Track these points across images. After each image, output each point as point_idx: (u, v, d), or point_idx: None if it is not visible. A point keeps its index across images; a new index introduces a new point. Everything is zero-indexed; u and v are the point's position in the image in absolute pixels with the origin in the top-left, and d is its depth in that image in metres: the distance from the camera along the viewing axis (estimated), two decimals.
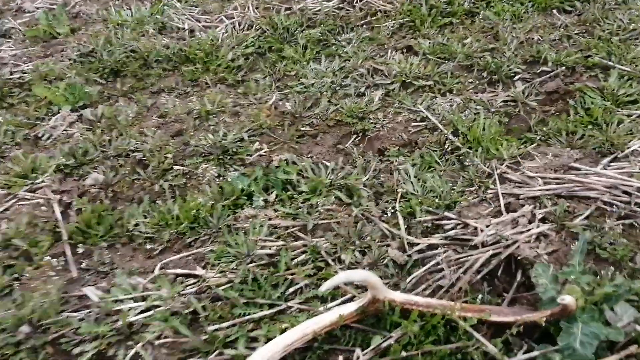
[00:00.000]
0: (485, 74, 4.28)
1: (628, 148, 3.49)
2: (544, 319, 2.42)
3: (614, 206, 3.09)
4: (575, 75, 4.18)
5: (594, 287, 2.45)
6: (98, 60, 5.02)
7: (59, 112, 4.43)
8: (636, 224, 3.01)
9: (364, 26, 5.12)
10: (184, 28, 5.33)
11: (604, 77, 4.11)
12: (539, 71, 4.26)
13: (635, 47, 4.37)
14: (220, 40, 5.06)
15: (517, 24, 4.87)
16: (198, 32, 5.25)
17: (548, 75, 4.20)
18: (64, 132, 4.24)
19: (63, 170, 3.85)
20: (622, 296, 2.43)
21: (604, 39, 4.45)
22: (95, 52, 5.12)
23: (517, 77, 4.21)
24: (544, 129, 3.75)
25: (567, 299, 2.24)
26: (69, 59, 5.11)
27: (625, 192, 3.17)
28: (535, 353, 2.46)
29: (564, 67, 4.22)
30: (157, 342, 2.69)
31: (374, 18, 5.19)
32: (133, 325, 2.80)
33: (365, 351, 2.54)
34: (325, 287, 2.31)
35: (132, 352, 2.66)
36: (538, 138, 3.70)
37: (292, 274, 2.95)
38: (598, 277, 2.68)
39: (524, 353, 2.50)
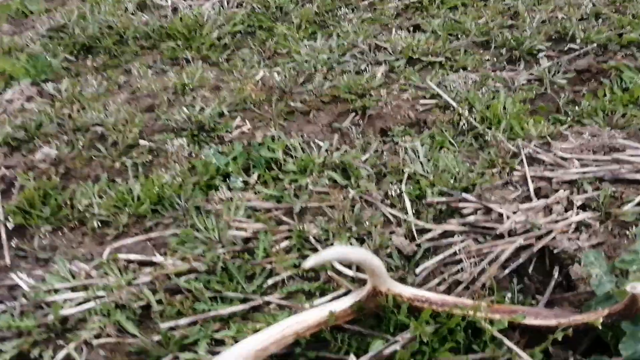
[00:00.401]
0: (504, 51, 3.74)
1: None
2: (601, 319, 1.83)
3: None
4: (608, 53, 3.65)
5: None
6: (69, 35, 4.46)
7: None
8: None
9: (366, 6, 4.59)
10: (167, 5, 4.80)
11: None
12: (565, 49, 3.72)
13: None
14: (205, 17, 4.52)
15: (538, 5, 4.34)
16: (182, 9, 4.72)
17: (577, 53, 3.66)
18: (20, 105, 3.67)
19: (11, 144, 3.28)
20: None
21: (639, 16, 3.93)
22: (66, 27, 4.58)
23: (541, 55, 3.66)
24: (576, 109, 3.20)
25: (639, 289, 1.65)
26: (38, 34, 4.57)
27: None
28: None
29: (594, 45, 3.69)
30: (95, 342, 2.09)
31: None
32: (67, 321, 2.20)
33: (362, 358, 1.94)
34: (311, 262, 1.71)
35: (62, 354, 2.06)
36: (569, 119, 3.14)
37: (272, 263, 2.36)
38: None
39: None
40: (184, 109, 3.36)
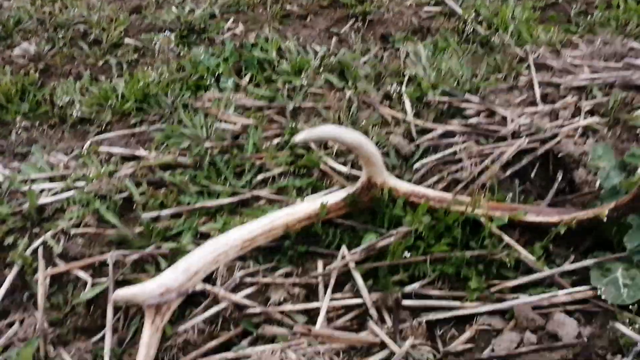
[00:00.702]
0: None
1: None
2: (606, 212, 1.72)
3: None
4: None
5: None
6: None
7: None
8: None
9: None
10: None
11: None
12: None
13: None
14: None
15: None
16: None
17: None
18: None
19: None
20: None
21: None
22: None
23: None
24: (588, 19, 3.02)
25: None
26: None
27: None
28: (588, 261, 1.77)
29: None
30: (73, 231, 1.97)
31: None
32: (44, 210, 2.08)
33: (354, 250, 1.84)
34: (302, 135, 1.58)
35: (39, 242, 1.95)
36: (580, 29, 2.97)
37: (263, 159, 2.23)
38: None
39: (571, 263, 1.82)
40: (173, 8, 3.17)
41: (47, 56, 2.95)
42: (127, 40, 3.00)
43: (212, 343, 1.66)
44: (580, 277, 1.77)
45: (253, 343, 1.67)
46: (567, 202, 2.11)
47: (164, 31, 3.06)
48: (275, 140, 2.31)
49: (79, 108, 2.62)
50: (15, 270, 1.87)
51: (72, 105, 2.64)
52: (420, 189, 1.98)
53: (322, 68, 2.74)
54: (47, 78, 2.86)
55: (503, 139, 2.29)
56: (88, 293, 1.78)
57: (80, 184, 2.13)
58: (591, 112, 2.42)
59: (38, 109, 2.67)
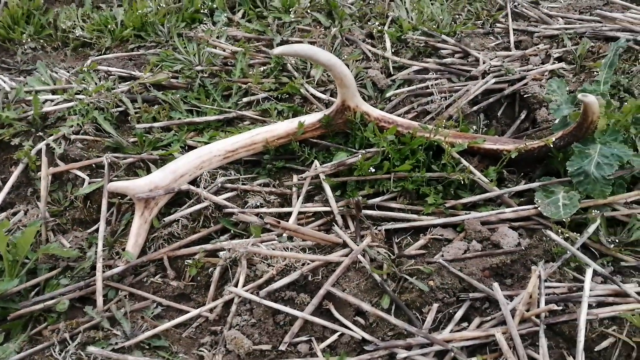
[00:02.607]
0: None
1: None
2: (553, 139, 1.91)
3: None
4: None
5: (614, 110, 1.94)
6: None
7: None
8: None
9: None
10: None
11: None
12: None
13: None
14: None
15: None
16: None
17: None
18: None
19: None
20: None
21: None
22: None
23: None
24: None
25: (590, 98, 1.72)
26: None
27: None
28: (534, 184, 1.97)
29: None
30: (73, 137, 2.17)
31: None
32: (47, 118, 2.27)
33: (326, 164, 2.04)
34: (280, 50, 1.76)
35: (42, 144, 2.14)
36: None
37: (249, 84, 2.41)
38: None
39: (519, 186, 2.02)
40: None
41: None
42: None
43: (194, 236, 1.87)
44: (527, 199, 1.98)
45: (230, 239, 1.88)
46: (526, 137, 2.31)
47: None
48: (262, 68, 2.49)
49: (81, 33, 2.78)
50: (20, 167, 2.07)
51: (74, 30, 2.80)
52: (391, 116, 2.17)
53: (311, 7, 2.89)
54: (51, 4, 3.02)
55: (474, 78, 2.47)
56: (85, 189, 1.98)
57: (81, 96, 2.32)
58: (560, 59, 2.59)
59: (42, 31, 2.83)
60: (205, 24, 2.83)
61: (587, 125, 1.81)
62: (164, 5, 2.87)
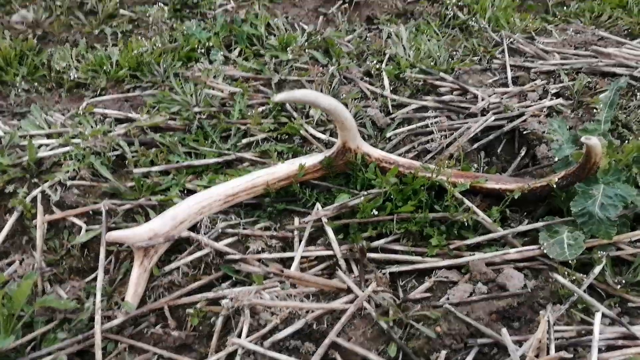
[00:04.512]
0: None
1: None
2: (556, 180, 1.90)
3: None
4: None
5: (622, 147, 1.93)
6: None
7: None
8: None
9: None
10: None
11: None
12: None
13: None
14: None
15: None
16: None
17: None
18: None
19: None
20: None
21: None
22: None
23: None
24: (564, 9, 3.20)
25: (593, 140, 1.71)
26: None
27: None
28: (538, 224, 1.95)
29: None
30: (69, 183, 2.13)
31: None
32: (42, 163, 2.23)
33: (328, 207, 2.01)
34: (281, 96, 1.75)
35: (37, 191, 2.10)
36: (556, 19, 3.15)
37: (247, 125, 2.39)
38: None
39: (523, 226, 2.00)
40: None
41: (45, 23, 3.08)
42: (122, 11, 3.14)
43: (195, 284, 1.83)
44: (531, 239, 1.96)
45: (232, 286, 1.84)
46: (527, 174, 2.30)
47: (158, 3, 3.19)
48: (260, 108, 2.47)
49: (75, 74, 2.76)
50: (15, 216, 2.03)
51: (69, 70, 2.78)
52: (392, 156, 2.15)
53: (308, 45, 2.90)
54: (45, 44, 3.00)
55: (473, 115, 2.47)
56: (82, 237, 1.94)
57: (76, 140, 2.28)
58: (557, 95, 2.60)
59: (36, 72, 2.81)
60: (202, 62, 2.82)
61: (589, 167, 1.80)
62: (159, 45, 2.86)
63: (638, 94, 2.47)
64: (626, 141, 2.11)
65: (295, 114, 2.43)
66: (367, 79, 2.68)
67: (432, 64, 2.70)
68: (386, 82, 2.59)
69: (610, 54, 2.66)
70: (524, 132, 2.43)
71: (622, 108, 2.47)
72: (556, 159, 2.00)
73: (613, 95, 2.00)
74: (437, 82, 2.57)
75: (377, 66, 2.67)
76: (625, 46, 2.75)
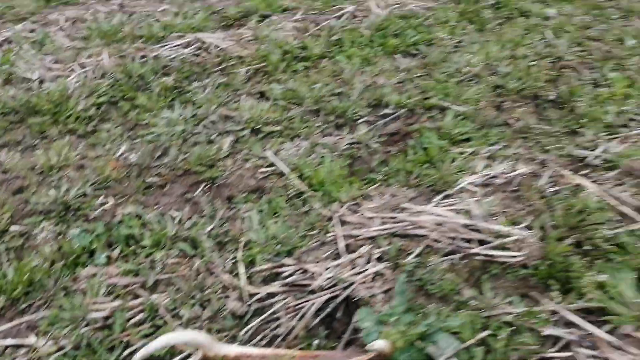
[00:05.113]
0: (332, 118, 4.45)
1: (458, 185, 3.74)
2: None
3: (441, 243, 3.31)
4: (415, 116, 4.45)
5: (410, 327, 2.59)
6: None
7: None
8: (461, 259, 3.23)
9: (220, 72, 5.18)
10: (32, 79, 5.12)
11: (441, 117, 4.41)
12: (381, 113, 4.49)
13: (469, 88, 4.73)
14: (71, 90, 4.92)
15: (366, 67, 5.13)
16: (48, 82, 5.07)
17: (390, 117, 4.43)
18: None
19: None
20: (437, 333, 2.59)
21: (442, 80, 4.79)
22: None
23: (361, 120, 4.41)
24: (385, 169, 3.95)
25: (377, 344, 2.36)
26: None
27: (452, 229, 3.40)
28: None
29: (404, 109, 4.48)
30: None
31: (229, 64, 5.26)
32: None
33: None
34: (139, 356, 2.27)
35: None
36: (379, 178, 3.88)
37: (128, 336, 2.88)
38: (422, 314, 2.84)
39: None
40: (51, 191, 3.78)
41: None
42: (13, 227, 3.57)
43: None
44: None
45: None
46: (358, 342, 2.92)
47: (45, 213, 3.66)
48: (139, 317, 2.97)
49: None
50: None
51: None
52: (246, 350, 2.71)
53: (176, 238, 3.45)
54: None
55: (313, 292, 3.09)
56: None
57: None
58: (379, 259, 3.28)
59: None
60: (88, 267, 3.29)
61: (384, 357, 2.44)
62: (48, 259, 3.31)
63: (435, 256, 3.19)
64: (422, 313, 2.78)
65: (168, 317, 2.95)
66: (227, 268, 3.25)
67: (277, 246, 3.32)
68: (242, 272, 3.18)
69: (414, 221, 3.40)
70: (354, 299, 3.07)
71: (426, 266, 3.17)
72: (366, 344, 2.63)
73: (400, 287, 2.68)
74: (282, 269, 3.18)
75: (234, 256, 3.26)
76: (426, 211, 3.50)
